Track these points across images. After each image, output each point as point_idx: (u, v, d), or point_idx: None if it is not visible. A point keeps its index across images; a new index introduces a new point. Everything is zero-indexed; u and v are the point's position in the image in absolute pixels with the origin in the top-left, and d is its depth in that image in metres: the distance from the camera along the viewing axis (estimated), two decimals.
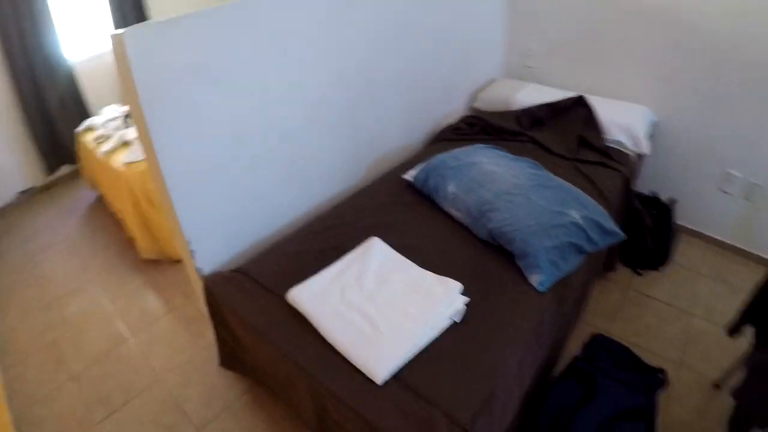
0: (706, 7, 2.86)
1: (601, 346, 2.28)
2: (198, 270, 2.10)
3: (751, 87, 2.88)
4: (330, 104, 2.46)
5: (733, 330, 2.16)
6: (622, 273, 3.13)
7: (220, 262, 2.20)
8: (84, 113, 4.56)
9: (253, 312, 1.89)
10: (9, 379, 2.64)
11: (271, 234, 2.42)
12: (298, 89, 2.27)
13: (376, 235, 2.15)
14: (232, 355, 2.23)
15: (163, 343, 2.77)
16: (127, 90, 1.71)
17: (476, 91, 3.64)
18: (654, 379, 2.16)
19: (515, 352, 1.71)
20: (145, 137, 1.79)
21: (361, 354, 1.63)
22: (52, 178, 4.62)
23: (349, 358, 1.64)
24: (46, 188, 4.58)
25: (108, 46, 4.54)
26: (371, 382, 1.57)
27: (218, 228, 2.15)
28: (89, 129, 3.86)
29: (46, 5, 4.11)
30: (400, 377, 1.59)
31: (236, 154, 2.09)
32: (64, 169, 4.66)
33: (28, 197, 4.47)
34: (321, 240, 2.22)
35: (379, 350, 1.63)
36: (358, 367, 1.61)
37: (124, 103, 3.98)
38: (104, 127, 3.72)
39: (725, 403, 2.02)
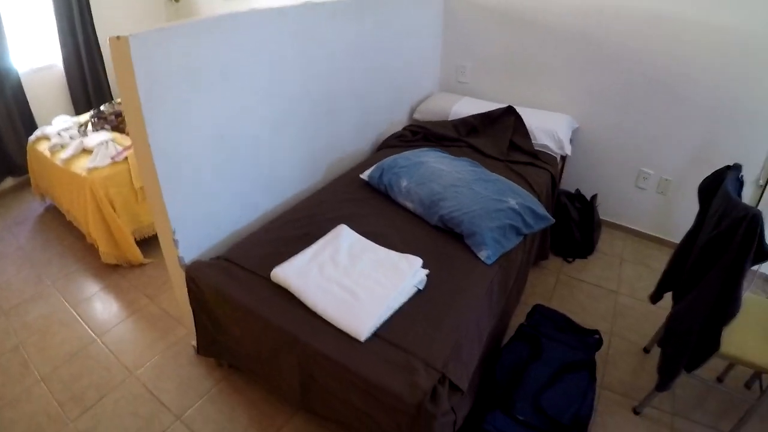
0: (613, 27, 3.32)
1: (541, 314, 2.64)
2: (180, 259, 2.25)
3: (654, 95, 3.35)
4: (294, 112, 2.70)
5: (655, 297, 2.52)
6: (554, 261, 3.47)
7: (199, 253, 2.35)
8: (30, 124, 4.50)
9: (239, 292, 2.05)
10: None
11: (244, 226, 2.59)
12: (269, 97, 2.50)
13: (341, 224, 2.39)
14: (211, 341, 2.36)
15: (132, 341, 2.81)
16: (126, 89, 1.87)
17: (417, 103, 3.95)
18: (590, 339, 2.52)
19: (472, 311, 1.99)
20: (140, 133, 1.94)
21: (344, 317, 1.85)
22: None
23: (333, 323, 1.86)
24: None
25: (54, 57, 4.65)
26: (355, 340, 1.80)
27: (198, 220, 2.30)
28: (42, 138, 3.82)
29: None
30: (379, 334, 1.83)
31: (215, 152, 2.28)
32: (9, 182, 4.57)
33: None
34: (293, 229, 2.43)
35: (359, 313, 1.85)
36: (342, 328, 1.83)
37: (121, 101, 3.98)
38: (59, 136, 3.69)
39: (654, 362, 2.29)
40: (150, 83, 1.87)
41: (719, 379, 2.63)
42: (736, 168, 2.18)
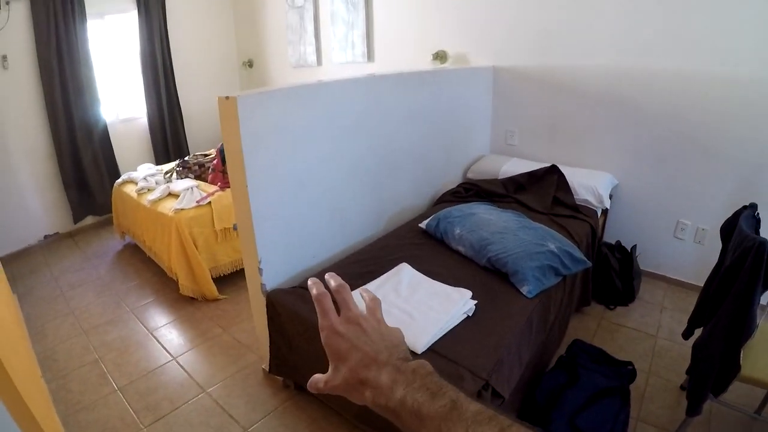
0: (645, 88, 3.68)
1: (580, 348, 2.94)
2: (262, 285, 2.59)
3: (687, 150, 3.66)
4: (361, 167, 3.11)
5: (687, 333, 2.72)
6: (597, 308, 3.70)
7: (279, 282, 2.69)
8: (113, 169, 5.02)
9: (312, 312, 2.32)
10: (52, 390, 2.82)
11: (318, 263, 2.95)
12: (340, 153, 2.92)
13: (403, 263, 2.74)
14: (283, 361, 2.66)
15: (205, 364, 3.04)
16: (230, 138, 2.28)
17: (469, 164, 4.34)
18: (624, 369, 2.79)
19: (513, 336, 2.28)
20: (239, 177, 2.34)
21: (407, 337, 2.14)
22: (77, 226, 4.99)
23: None
24: (69, 235, 4.92)
25: (139, 111, 5.14)
26: (413, 352, 2.09)
27: (280, 254, 2.66)
28: (128, 182, 4.31)
29: (92, 71, 4.69)
30: (433, 348, 2.15)
31: (297, 197, 2.68)
32: (89, 220, 5.05)
33: (53, 241, 4.80)
34: (359, 267, 2.79)
35: (416, 331, 2.18)
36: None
37: (221, 148, 4.41)
38: (145, 181, 4.16)
39: None
40: (249, 136, 2.29)
41: (757, 412, 2.78)
42: (752, 207, 2.46)
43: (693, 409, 2.41)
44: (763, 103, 3.30)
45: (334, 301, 0.71)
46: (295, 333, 2.49)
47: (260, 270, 2.55)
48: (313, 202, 2.80)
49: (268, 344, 2.68)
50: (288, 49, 5.81)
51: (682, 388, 2.94)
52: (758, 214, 2.49)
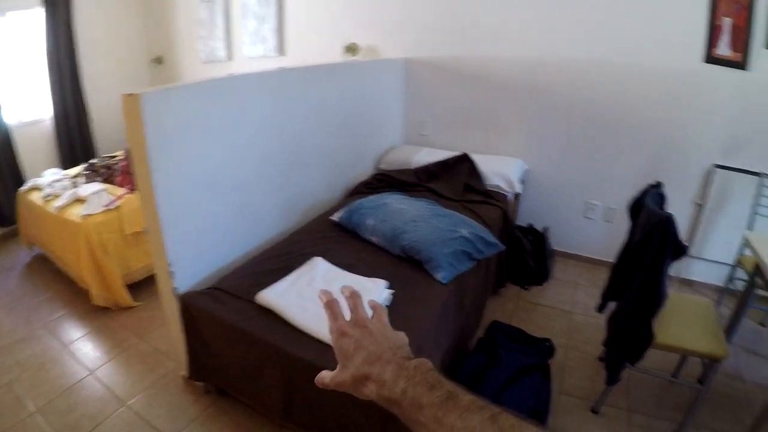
0: (555, 77, 3.83)
1: (498, 329, 3.01)
2: (175, 289, 2.50)
3: (595, 135, 3.85)
4: (272, 163, 3.05)
5: (601, 307, 2.83)
6: (512, 289, 3.79)
7: (192, 284, 2.61)
8: (17, 176, 4.67)
9: (228, 313, 2.33)
10: None
11: (231, 261, 2.86)
12: (250, 149, 2.85)
13: (316, 257, 2.71)
14: (202, 365, 2.59)
15: (124, 375, 2.92)
16: (135, 138, 2.18)
17: (382, 155, 4.35)
18: (542, 346, 2.89)
19: (431, 322, 2.31)
20: (145, 178, 2.24)
21: (320, 327, 2.13)
22: None
23: (312, 334, 2.14)
24: None
25: (45, 113, 4.90)
26: (330, 346, 2.06)
27: (191, 255, 2.57)
28: (34, 189, 4.04)
29: None
30: None
31: (207, 196, 2.59)
32: None
33: None
34: (275, 263, 2.73)
35: None
36: (318, 337, 2.11)
37: (126, 148, 3.97)
38: (51, 187, 3.91)
39: None
40: (155, 134, 2.20)
41: (674, 376, 2.93)
42: (657, 185, 2.58)
43: (612, 379, 2.52)
44: (664, 88, 3.53)
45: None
46: (212, 335, 2.43)
47: (171, 273, 2.46)
48: (223, 201, 2.73)
49: (185, 350, 2.61)
50: (198, 45, 5.64)
51: (600, 359, 3.06)
52: (663, 191, 2.61)
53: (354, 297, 0.81)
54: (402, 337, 0.77)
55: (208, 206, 2.63)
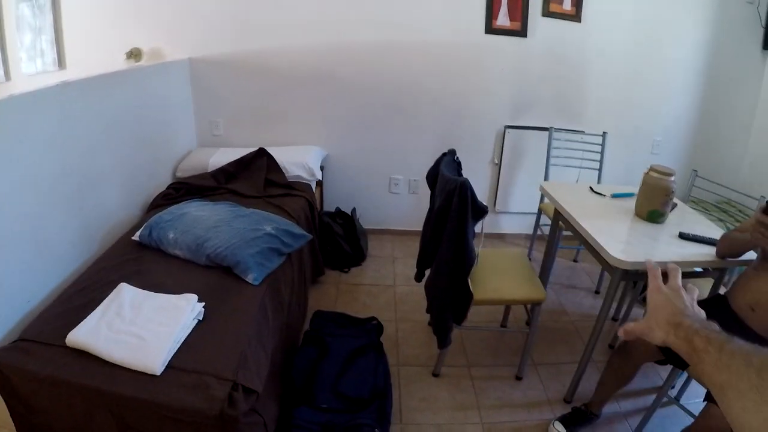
0: (341, 62, 3.92)
1: (322, 318, 3.03)
2: None
3: (389, 114, 4.03)
4: (61, 189, 2.76)
5: (419, 276, 2.95)
6: (332, 275, 3.84)
7: None
8: None
9: (41, 366, 2.08)
10: None
11: (35, 306, 2.58)
12: (36, 179, 2.55)
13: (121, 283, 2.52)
14: (30, 427, 2.31)
15: None
16: None
17: (178, 161, 4.13)
18: (369, 325, 2.95)
19: (250, 326, 2.25)
20: None
21: (137, 358, 2.01)
22: None
23: (129, 366, 2.00)
24: None
25: None
26: (152, 375, 1.97)
27: None
28: None
29: None
30: (171, 365, 2.02)
31: None
32: None
33: None
34: (80, 298, 2.48)
35: (149, 352, 2.03)
36: (138, 369, 1.99)
37: None
38: None
39: None
40: None
41: (503, 326, 3.15)
42: (451, 152, 2.71)
43: (442, 342, 2.65)
44: (451, 62, 3.83)
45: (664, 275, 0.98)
46: (30, 392, 2.17)
47: None
48: (11, 241, 2.42)
49: (9, 414, 2.31)
50: None
51: (429, 324, 3.20)
52: (458, 158, 2.73)
53: (673, 269, 0.98)
54: (696, 307, 0.93)
55: None
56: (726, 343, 0.74)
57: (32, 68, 4.58)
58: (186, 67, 4.18)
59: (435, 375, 2.84)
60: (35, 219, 2.60)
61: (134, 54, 4.18)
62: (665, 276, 0.98)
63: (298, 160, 3.80)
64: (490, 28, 3.76)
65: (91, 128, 3.01)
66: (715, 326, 0.81)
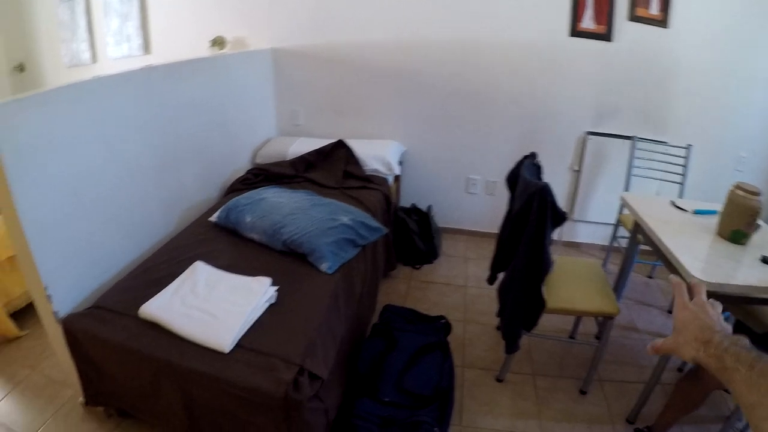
0: (423, 58, 3.89)
1: (392, 312, 2.99)
2: (55, 313, 2.31)
3: (468, 112, 3.96)
4: (143, 167, 2.86)
5: (491, 279, 2.89)
6: (404, 270, 3.82)
7: (73, 305, 2.42)
8: None
9: (112, 333, 2.17)
10: None
11: (113, 275, 2.68)
12: (120, 155, 2.67)
13: (197, 261, 2.59)
14: (97, 389, 2.42)
15: (21, 412, 2.72)
16: None
17: (257, 149, 4.22)
18: (438, 324, 2.89)
19: (321, 315, 2.26)
20: (5, 198, 2.03)
21: (207, 335, 2.05)
22: None
23: (199, 342, 2.05)
24: None
25: None
26: (221, 353, 2.01)
27: (69, 274, 2.39)
28: None
29: None
30: (241, 345, 2.05)
31: (76, 208, 2.40)
32: None
33: None
34: (156, 272, 2.57)
35: (220, 330, 2.07)
36: (208, 345, 2.03)
37: None
38: None
39: None
40: (11, 149, 2.00)
41: (571, 337, 3.06)
42: (532, 156, 2.66)
43: (510, 347, 2.59)
44: (533, 63, 3.73)
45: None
46: (101, 357, 2.27)
47: (49, 297, 2.27)
48: (94, 212, 2.53)
49: (77, 375, 2.43)
50: (61, 48, 5.17)
51: (498, 329, 3.13)
52: (538, 161, 2.69)
53: (699, 286, 0.97)
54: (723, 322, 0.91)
55: (81, 220, 2.44)
56: (756, 362, 0.73)
57: (118, 52, 4.78)
58: (269, 56, 4.25)
59: (499, 380, 2.78)
60: (118, 193, 2.71)
61: (218, 42, 4.29)
62: (690, 292, 0.97)
63: (376, 153, 3.81)
64: (575, 31, 3.66)
65: (174, 111, 3.11)
66: (746, 342, 0.80)
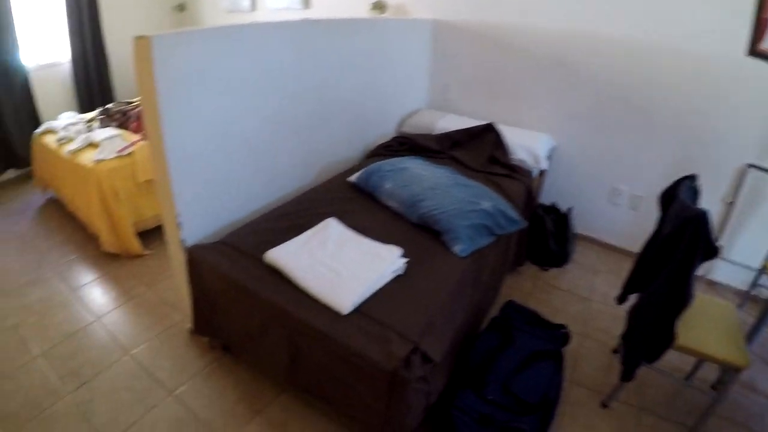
0: (588, 53, 3.62)
1: (513, 309, 2.88)
2: (182, 241, 2.41)
3: (626, 117, 3.63)
4: (290, 117, 2.92)
5: (621, 299, 2.70)
6: (531, 269, 3.68)
7: (200, 237, 2.52)
8: (35, 119, 4.63)
9: (234, 270, 2.23)
10: None
11: (243, 217, 2.76)
12: (268, 100, 2.72)
13: (330, 217, 2.60)
14: (207, 320, 2.52)
15: (129, 324, 2.90)
16: (145, 84, 2.06)
17: (404, 117, 4.20)
18: (558, 333, 2.75)
19: (445, 296, 2.19)
20: (154, 126, 2.14)
21: (328, 293, 2.05)
22: None
23: (319, 298, 2.05)
24: None
25: (63, 56, 4.79)
26: (338, 314, 1.99)
27: (201, 207, 2.48)
28: (49, 131, 3.99)
29: (10, 12, 4.24)
30: (360, 310, 2.03)
31: (220, 147, 2.48)
32: (10, 173, 4.68)
33: None
34: (287, 221, 2.62)
35: (342, 290, 2.06)
36: (327, 303, 2.02)
37: (138, 95, 4.07)
38: (65, 130, 3.85)
39: None
40: (167, 81, 2.07)
41: (687, 379, 2.81)
42: (692, 178, 2.44)
43: (627, 375, 2.41)
44: (702, 77, 3.32)
45: None
46: (218, 291, 2.35)
47: (179, 224, 2.37)
48: (237, 153, 2.61)
49: (191, 303, 2.54)
50: None
51: (614, 351, 2.95)
52: (698, 185, 2.48)
53: None
54: None
55: (221, 158, 2.52)
56: None
57: (278, 3, 4.91)
58: (429, 27, 4.19)
59: (604, 405, 2.61)
60: (263, 139, 2.78)
61: (379, 6, 4.28)
62: None
63: (526, 143, 3.66)
64: (753, 50, 3.29)
65: (328, 68, 3.12)
66: None
